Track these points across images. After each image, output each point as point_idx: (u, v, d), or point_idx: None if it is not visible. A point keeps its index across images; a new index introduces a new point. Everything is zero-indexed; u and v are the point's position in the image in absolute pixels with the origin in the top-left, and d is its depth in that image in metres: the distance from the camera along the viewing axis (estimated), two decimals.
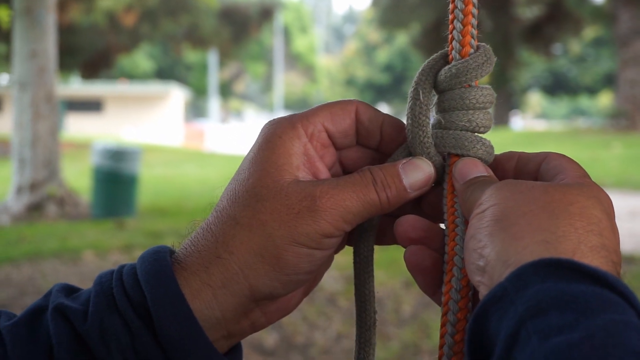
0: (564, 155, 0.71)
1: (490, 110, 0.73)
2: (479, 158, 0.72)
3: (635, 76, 30.69)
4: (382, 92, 74.13)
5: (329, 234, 0.68)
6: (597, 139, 27.44)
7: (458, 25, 0.72)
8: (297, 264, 0.68)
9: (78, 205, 11.20)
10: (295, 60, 67.32)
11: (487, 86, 0.73)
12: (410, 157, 0.73)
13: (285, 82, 70.46)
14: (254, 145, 0.73)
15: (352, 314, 5.60)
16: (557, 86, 60.36)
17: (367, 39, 74.39)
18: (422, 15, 32.65)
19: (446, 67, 0.73)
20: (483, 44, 0.73)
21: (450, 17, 0.73)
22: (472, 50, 0.72)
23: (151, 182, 15.86)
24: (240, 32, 32.83)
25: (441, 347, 0.68)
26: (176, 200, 12.90)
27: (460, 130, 0.72)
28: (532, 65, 50.00)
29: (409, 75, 71.63)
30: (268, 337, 5.13)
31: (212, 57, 46.28)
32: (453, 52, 0.73)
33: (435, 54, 0.75)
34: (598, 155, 21.63)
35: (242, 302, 0.67)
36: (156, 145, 30.58)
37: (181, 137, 44.42)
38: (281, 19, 57.14)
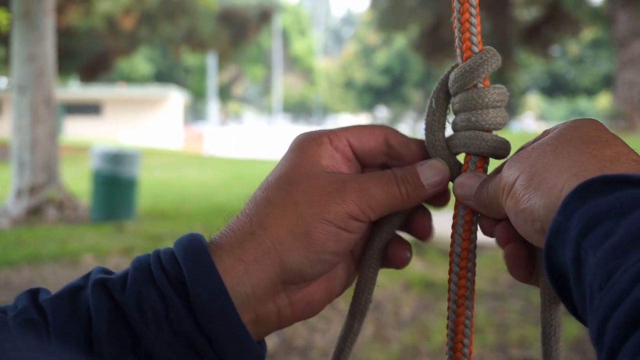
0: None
1: (502, 107, 0.78)
2: (485, 154, 0.77)
3: (633, 77, 30.69)
4: (380, 94, 74.16)
5: (356, 216, 0.74)
6: None
7: (458, 34, 0.78)
8: (325, 242, 0.73)
9: (77, 209, 11.21)
10: (293, 63, 67.38)
11: (495, 86, 0.77)
12: (430, 159, 0.80)
13: (284, 85, 70.49)
14: (286, 151, 0.80)
15: None
16: (556, 88, 60.48)
17: (366, 41, 74.43)
18: (420, 18, 32.66)
19: (451, 74, 0.79)
20: (487, 47, 0.78)
21: (453, 26, 0.79)
22: (473, 55, 0.77)
23: (150, 186, 15.86)
24: (239, 35, 32.79)
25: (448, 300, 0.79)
26: (175, 203, 12.91)
27: (466, 130, 0.77)
28: (531, 66, 50.07)
29: (408, 77, 71.69)
30: (268, 340, 5.12)
31: (211, 60, 46.29)
32: (458, 58, 0.79)
33: (452, 65, 0.81)
34: None
35: (272, 278, 0.72)
36: (155, 149, 30.59)
37: (180, 140, 44.45)
38: (280, 21, 57.19)
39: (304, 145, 0.78)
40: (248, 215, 0.74)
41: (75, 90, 45.74)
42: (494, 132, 0.78)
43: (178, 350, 0.69)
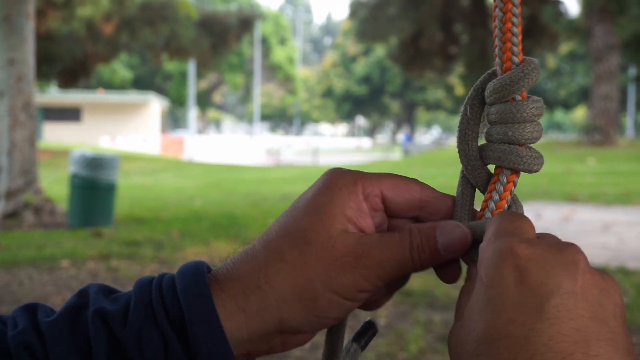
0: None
1: (538, 121, 0.76)
2: (519, 169, 0.75)
3: (609, 91, 31.01)
4: (359, 104, 74.27)
5: (364, 289, 0.73)
6: (571, 153, 27.68)
7: (499, 43, 0.76)
8: (328, 310, 0.73)
9: (55, 214, 11.17)
10: (273, 71, 67.38)
11: (533, 99, 0.76)
12: (450, 221, 0.76)
13: (263, 93, 70.42)
14: (314, 187, 0.76)
15: None
16: None
17: (345, 50, 74.57)
18: (400, 28, 32.79)
19: (489, 84, 0.77)
20: (528, 58, 0.76)
21: (494, 34, 0.77)
22: (514, 66, 0.75)
23: (128, 191, 15.81)
24: (219, 42, 32.76)
25: None
26: (153, 209, 12.88)
27: (501, 143, 0.76)
28: None
29: (387, 87, 71.84)
30: None
31: (191, 67, 46.23)
32: (497, 68, 0.76)
33: (488, 72, 0.79)
34: (573, 168, 21.84)
35: (269, 330, 0.72)
36: (134, 153, 30.46)
37: (158, 146, 44.30)
38: (260, 29, 57.19)
39: (334, 191, 0.74)
40: (258, 263, 0.73)
41: (54, 95, 45.48)
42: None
43: None
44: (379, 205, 0.76)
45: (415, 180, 0.78)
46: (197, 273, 0.73)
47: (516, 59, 0.75)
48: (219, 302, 0.71)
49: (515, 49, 0.75)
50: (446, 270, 0.77)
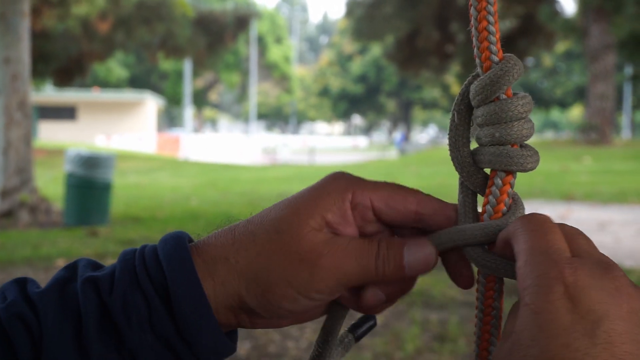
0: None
1: (527, 118, 0.74)
2: (512, 170, 0.73)
3: (605, 90, 31.05)
4: (355, 102, 74.26)
5: (320, 290, 0.74)
6: (568, 152, 27.71)
7: (476, 42, 0.74)
8: (280, 300, 0.74)
9: (50, 213, 11.14)
10: (269, 70, 67.35)
11: (519, 96, 0.73)
12: (422, 237, 0.76)
13: (259, 92, 70.38)
14: (309, 186, 0.78)
15: None
16: None
17: (341, 49, 74.57)
18: (396, 27, 32.79)
19: (471, 86, 0.75)
20: (507, 55, 0.73)
21: (471, 35, 0.75)
22: (493, 65, 0.73)
23: (124, 190, 15.79)
24: (215, 41, 32.74)
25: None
26: (149, 208, 12.86)
27: (490, 146, 0.74)
28: None
29: (383, 86, 71.85)
30: (241, 345, 5.14)
31: (187, 66, 46.19)
32: (478, 68, 0.74)
33: (472, 74, 0.77)
34: (569, 167, 21.86)
35: (232, 304, 0.74)
36: (129, 153, 30.41)
37: (154, 145, 44.26)
38: (256, 28, 57.14)
39: (322, 194, 0.75)
40: (234, 237, 0.75)
41: (49, 94, 45.41)
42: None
43: (159, 352, 0.72)
44: (370, 216, 0.76)
45: (414, 192, 0.77)
46: (179, 241, 0.76)
47: (495, 58, 0.73)
48: (196, 265, 0.74)
49: (494, 48, 0.73)
50: (460, 275, 0.77)
